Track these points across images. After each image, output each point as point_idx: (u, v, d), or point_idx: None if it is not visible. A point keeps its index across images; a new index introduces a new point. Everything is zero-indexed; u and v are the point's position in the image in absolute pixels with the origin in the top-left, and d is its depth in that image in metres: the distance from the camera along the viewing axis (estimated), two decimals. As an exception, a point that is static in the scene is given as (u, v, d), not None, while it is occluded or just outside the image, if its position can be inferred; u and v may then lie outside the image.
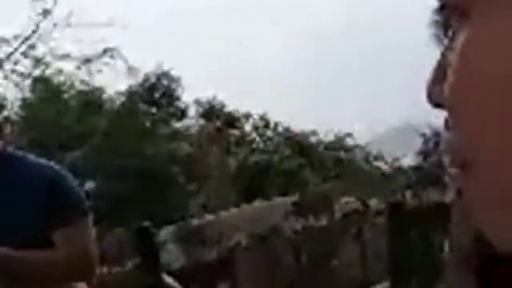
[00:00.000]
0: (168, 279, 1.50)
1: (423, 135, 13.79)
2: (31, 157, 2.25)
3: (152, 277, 1.54)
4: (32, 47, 13.88)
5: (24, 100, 14.26)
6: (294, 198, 7.53)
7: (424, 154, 12.74)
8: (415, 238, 3.21)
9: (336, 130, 16.57)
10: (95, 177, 12.41)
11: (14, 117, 13.86)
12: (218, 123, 16.21)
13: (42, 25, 13.85)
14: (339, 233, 5.70)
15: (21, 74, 14.02)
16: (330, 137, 16.30)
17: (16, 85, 14.01)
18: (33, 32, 13.83)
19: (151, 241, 1.54)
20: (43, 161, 2.24)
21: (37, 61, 14.13)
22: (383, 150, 16.43)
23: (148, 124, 14.76)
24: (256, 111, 16.98)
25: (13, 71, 13.88)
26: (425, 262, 3.05)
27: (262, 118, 16.68)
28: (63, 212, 2.13)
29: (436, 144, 12.86)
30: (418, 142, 15.16)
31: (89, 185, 12.01)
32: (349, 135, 16.30)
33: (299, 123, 16.87)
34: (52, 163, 2.24)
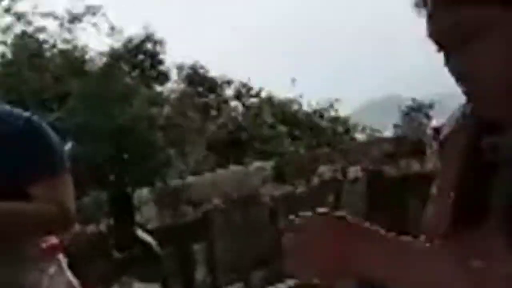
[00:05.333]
0: (143, 234, 1.48)
1: (407, 107, 13.85)
2: (7, 107, 2.19)
3: (126, 232, 1.52)
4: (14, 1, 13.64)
5: (3, 56, 14.01)
6: (273, 164, 7.53)
7: (404, 126, 12.79)
8: (392, 205, 3.20)
9: (318, 99, 16.61)
10: (74, 139, 12.29)
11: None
12: (200, 88, 16.14)
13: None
14: (317, 200, 5.71)
15: (4, 30, 13.77)
16: (312, 106, 16.34)
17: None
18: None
19: (127, 201, 1.51)
20: (21, 111, 2.19)
21: (19, 18, 13.87)
22: (363, 121, 16.54)
23: (129, 86, 14.61)
24: (240, 77, 16.91)
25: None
26: (401, 230, 3.04)
27: (245, 85, 16.61)
28: (40, 164, 2.07)
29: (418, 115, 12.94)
30: (398, 115, 15.24)
31: (68, 146, 11.90)
32: (337, 100, 16.33)
33: (282, 91, 16.84)
34: (30, 113, 2.18)
